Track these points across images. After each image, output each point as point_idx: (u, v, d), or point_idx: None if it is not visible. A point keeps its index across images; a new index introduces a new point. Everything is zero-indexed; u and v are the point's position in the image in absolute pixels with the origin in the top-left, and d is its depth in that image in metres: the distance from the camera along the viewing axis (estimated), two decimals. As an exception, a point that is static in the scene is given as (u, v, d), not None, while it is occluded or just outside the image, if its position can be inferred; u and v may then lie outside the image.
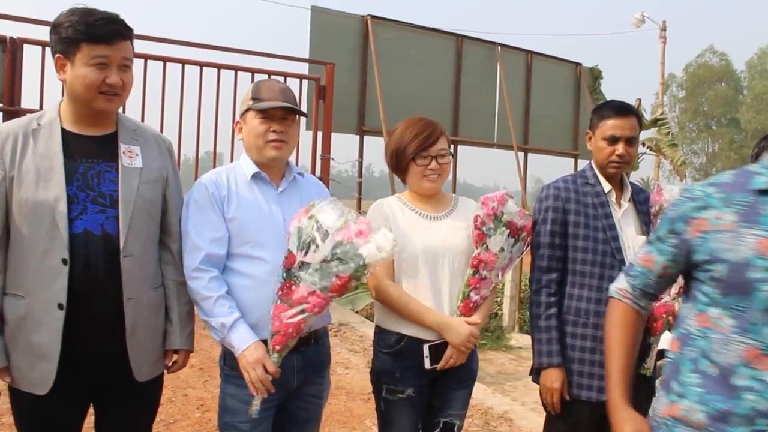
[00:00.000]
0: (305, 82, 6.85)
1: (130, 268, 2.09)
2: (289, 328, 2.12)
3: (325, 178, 6.57)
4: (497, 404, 4.71)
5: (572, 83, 9.82)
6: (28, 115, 2.17)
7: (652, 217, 2.60)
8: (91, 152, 2.11)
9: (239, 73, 6.33)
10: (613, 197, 2.60)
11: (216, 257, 2.22)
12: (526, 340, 8.09)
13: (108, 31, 2.02)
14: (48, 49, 5.35)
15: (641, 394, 2.60)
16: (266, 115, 2.27)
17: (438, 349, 2.38)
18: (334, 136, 6.97)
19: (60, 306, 2.00)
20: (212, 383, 4.60)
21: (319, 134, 6.86)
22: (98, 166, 2.11)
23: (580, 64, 9.85)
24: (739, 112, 48.97)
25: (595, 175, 2.62)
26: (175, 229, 2.27)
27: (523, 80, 9.22)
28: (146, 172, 2.17)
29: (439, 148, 2.47)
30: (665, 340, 2.61)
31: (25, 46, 5.45)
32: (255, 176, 2.31)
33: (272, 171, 2.35)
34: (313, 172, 6.76)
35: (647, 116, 12.05)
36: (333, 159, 6.85)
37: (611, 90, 10.06)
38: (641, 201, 2.66)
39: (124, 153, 2.15)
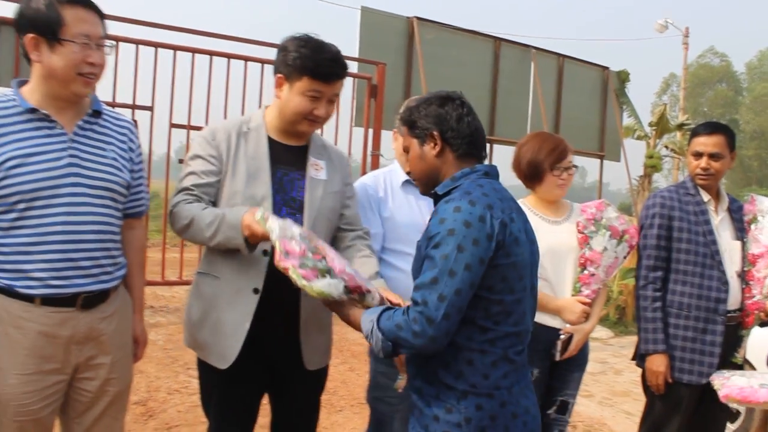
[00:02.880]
0: (356, 80, 7.16)
1: None
2: None
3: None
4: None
5: (599, 86, 10.12)
6: (237, 117, 2.38)
7: (745, 224, 2.95)
8: (287, 160, 2.31)
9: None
10: (711, 206, 2.94)
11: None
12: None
13: (331, 72, 2.19)
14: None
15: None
16: None
17: (564, 343, 2.72)
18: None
19: (255, 290, 2.18)
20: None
21: (370, 131, 7.17)
22: (291, 173, 2.30)
23: (607, 68, 10.16)
24: (738, 113, 49.38)
25: (695, 187, 2.95)
26: (357, 219, 2.48)
27: (554, 82, 9.51)
28: (330, 184, 2.36)
29: (569, 160, 2.78)
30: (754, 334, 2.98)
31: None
32: (405, 182, 2.63)
33: None
34: (364, 168, 7.08)
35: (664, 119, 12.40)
36: (383, 156, 7.16)
37: (636, 93, 10.38)
38: (735, 210, 3.00)
39: (311, 165, 2.34)
